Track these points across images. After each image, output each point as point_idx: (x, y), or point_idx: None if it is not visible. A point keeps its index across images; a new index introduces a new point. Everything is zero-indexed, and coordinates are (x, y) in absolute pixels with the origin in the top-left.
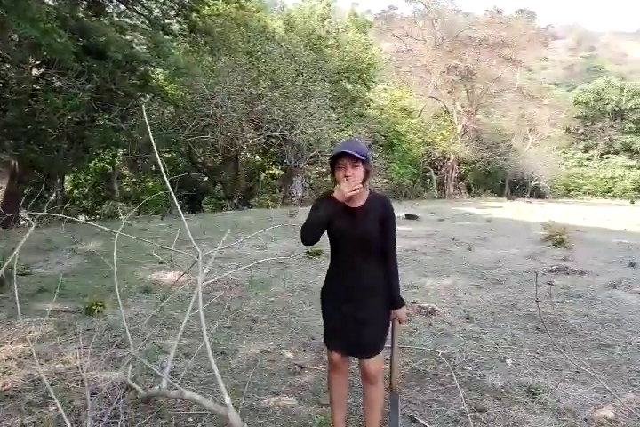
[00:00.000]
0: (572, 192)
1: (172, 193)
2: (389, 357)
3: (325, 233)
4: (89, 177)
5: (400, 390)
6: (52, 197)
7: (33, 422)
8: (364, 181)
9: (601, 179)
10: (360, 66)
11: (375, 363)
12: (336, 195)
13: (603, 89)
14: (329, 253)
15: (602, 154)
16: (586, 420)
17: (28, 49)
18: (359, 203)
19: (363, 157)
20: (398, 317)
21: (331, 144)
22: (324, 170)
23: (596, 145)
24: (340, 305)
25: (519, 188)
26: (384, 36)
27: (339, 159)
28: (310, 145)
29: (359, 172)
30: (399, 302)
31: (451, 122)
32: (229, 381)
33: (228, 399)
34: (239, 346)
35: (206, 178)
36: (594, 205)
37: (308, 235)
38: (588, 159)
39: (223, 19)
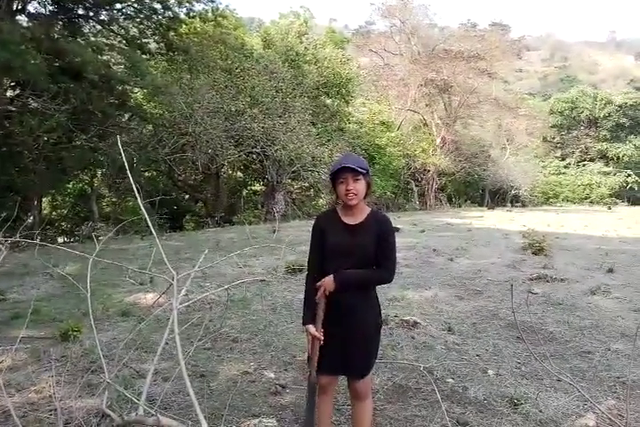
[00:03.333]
0: (551, 200)
1: (147, 216)
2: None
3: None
4: (67, 198)
5: (382, 406)
6: (30, 220)
7: None
8: (366, 195)
9: (578, 186)
10: (339, 81)
11: (365, 381)
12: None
13: (577, 98)
14: None
15: (578, 162)
16: None
17: (1, 70)
18: (358, 219)
19: (364, 171)
20: (325, 283)
21: (312, 159)
22: (306, 184)
23: (573, 153)
24: (328, 324)
25: (499, 197)
26: (362, 51)
27: (340, 174)
28: (291, 160)
29: (360, 185)
30: (339, 278)
31: (430, 134)
32: (209, 404)
33: (204, 425)
34: (219, 367)
35: (187, 196)
36: (572, 211)
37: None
38: (565, 167)
39: (201, 37)
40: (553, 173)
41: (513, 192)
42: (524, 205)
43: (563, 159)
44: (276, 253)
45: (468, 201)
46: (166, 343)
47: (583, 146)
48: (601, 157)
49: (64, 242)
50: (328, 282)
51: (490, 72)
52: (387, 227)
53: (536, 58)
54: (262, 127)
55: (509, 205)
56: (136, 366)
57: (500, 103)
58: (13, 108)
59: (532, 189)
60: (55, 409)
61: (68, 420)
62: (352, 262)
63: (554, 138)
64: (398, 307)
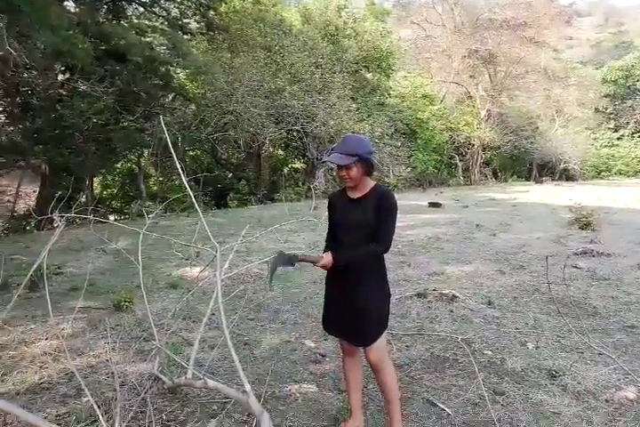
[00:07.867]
0: (603, 173)
1: (191, 193)
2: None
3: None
4: (117, 178)
5: (420, 376)
6: (82, 199)
7: (67, 412)
8: (367, 174)
9: (632, 159)
10: (379, 55)
11: (374, 352)
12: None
13: (632, 66)
14: None
15: (633, 133)
16: (607, 401)
17: (52, 56)
18: (359, 194)
19: (351, 159)
20: (324, 262)
21: None
22: None
23: (627, 124)
24: (334, 293)
25: (547, 171)
26: (403, 24)
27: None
28: (331, 137)
29: (352, 171)
30: (336, 258)
31: (474, 107)
32: (253, 370)
33: (248, 387)
34: (262, 336)
35: (230, 174)
36: (625, 185)
37: None
38: (618, 139)
39: (240, 15)
40: (605, 146)
41: (562, 166)
42: (573, 179)
43: (616, 131)
44: (316, 228)
45: (515, 175)
46: (212, 314)
47: (638, 116)
48: None
49: (115, 220)
50: (326, 262)
51: (537, 41)
52: (385, 201)
53: (588, 24)
54: (302, 104)
55: (558, 179)
56: (184, 335)
57: (549, 73)
58: (64, 92)
59: (583, 163)
60: (112, 372)
61: (123, 382)
62: (356, 235)
63: (606, 108)
64: (438, 281)
